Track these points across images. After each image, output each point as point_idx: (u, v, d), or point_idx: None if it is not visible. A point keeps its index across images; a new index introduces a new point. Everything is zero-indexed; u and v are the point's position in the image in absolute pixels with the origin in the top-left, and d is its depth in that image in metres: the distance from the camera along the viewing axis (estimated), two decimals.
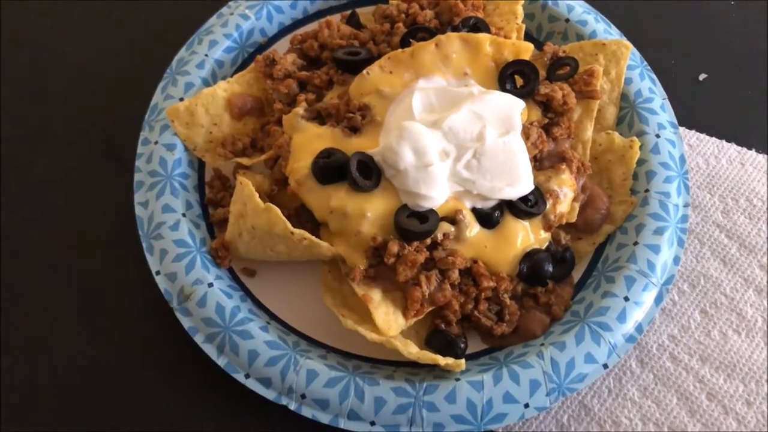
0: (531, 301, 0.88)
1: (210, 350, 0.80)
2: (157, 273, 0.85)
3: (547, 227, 0.90)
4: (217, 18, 1.05)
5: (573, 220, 0.92)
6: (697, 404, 0.85)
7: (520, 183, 0.88)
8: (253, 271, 0.90)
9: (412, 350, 0.78)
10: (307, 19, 1.11)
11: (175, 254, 0.85)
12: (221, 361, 0.80)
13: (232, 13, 1.05)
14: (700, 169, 1.07)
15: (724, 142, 1.10)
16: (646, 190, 0.93)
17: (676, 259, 0.90)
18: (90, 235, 0.98)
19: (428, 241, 0.84)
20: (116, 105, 1.09)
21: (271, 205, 0.81)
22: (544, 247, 0.89)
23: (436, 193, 0.84)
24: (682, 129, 1.09)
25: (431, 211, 0.84)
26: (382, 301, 0.81)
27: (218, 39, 1.02)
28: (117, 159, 1.03)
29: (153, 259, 0.85)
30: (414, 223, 0.82)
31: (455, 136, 0.88)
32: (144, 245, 0.87)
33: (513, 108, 0.90)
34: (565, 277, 0.90)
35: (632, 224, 0.92)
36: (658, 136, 0.98)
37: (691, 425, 0.84)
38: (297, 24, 1.10)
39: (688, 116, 1.11)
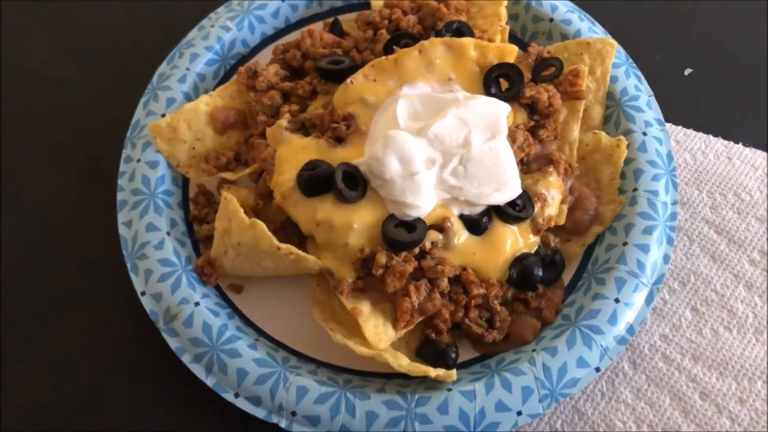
0: (521, 306, 0.88)
1: (198, 370, 0.80)
2: (143, 293, 0.84)
3: (536, 231, 0.90)
4: (198, 30, 1.04)
5: (562, 222, 0.92)
6: (690, 404, 0.85)
7: (508, 188, 0.87)
8: (240, 287, 0.89)
9: (402, 363, 0.77)
10: (290, 28, 1.10)
11: (160, 274, 0.84)
12: (210, 381, 0.79)
13: (213, 25, 1.05)
14: (687, 165, 1.06)
15: (710, 136, 1.10)
16: (635, 189, 0.93)
17: (666, 258, 0.89)
18: (74, 257, 0.98)
19: (416, 250, 0.83)
20: (98, 122, 1.08)
21: (256, 220, 0.80)
22: (533, 251, 0.89)
23: (423, 201, 0.84)
24: (668, 125, 1.09)
25: (419, 220, 0.83)
26: (372, 314, 0.80)
27: (199, 52, 1.01)
28: (100, 178, 1.02)
29: (138, 279, 0.85)
30: (402, 233, 0.82)
31: (441, 143, 0.87)
32: (129, 265, 0.86)
33: (498, 112, 0.90)
34: (555, 281, 0.90)
35: (621, 224, 0.92)
36: (645, 133, 0.98)
37: (685, 425, 0.84)
38: (279, 33, 1.09)
39: (675, 112, 1.10)
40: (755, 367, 0.87)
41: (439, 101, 0.90)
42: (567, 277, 0.91)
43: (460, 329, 0.86)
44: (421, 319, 0.82)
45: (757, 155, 1.07)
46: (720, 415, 0.84)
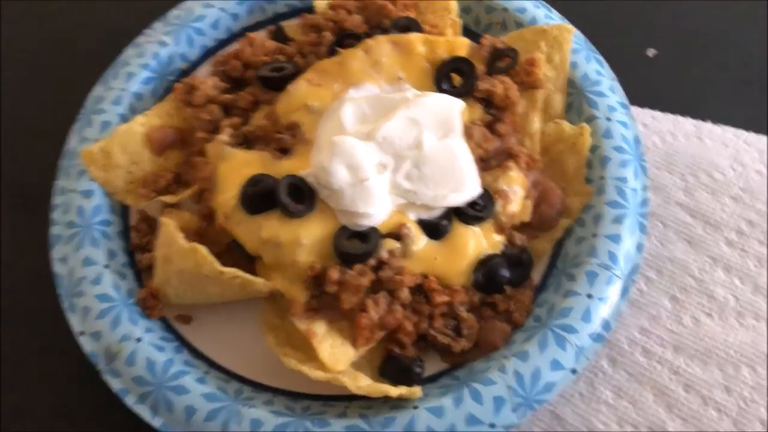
0: (490, 310, 0.83)
1: (143, 411, 0.74)
2: (81, 333, 0.79)
3: (500, 230, 0.85)
4: (133, 48, 0.99)
5: (527, 218, 0.88)
6: (674, 398, 0.80)
7: (466, 187, 0.83)
8: (188, 317, 0.84)
9: (361, 384, 0.73)
10: (233, 38, 1.05)
11: (99, 310, 0.78)
12: (156, 422, 0.74)
13: (148, 41, 1.00)
14: (657, 148, 1.03)
15: (679, 117, 1.07)
16: (602, 178, 0.89)
17: (640, 247, 0.85)
18: (4, 300, 0.92)
19: (373, 262, 0.78)
20: (29, 151, 1.02)
21: (196, 245, 0.75)
22: (498, 252, 0.84)
23: (376, 209, 0.79)
24: (635, 109, 1.05)
25: (372, 229, 0.79)
26: (328, 334, 0.75)
27: (135, 70, 0.96)
28: (32, 212, 0.95)
29: (76, 318, 0.79)
30: (354, 245, 0.77)
31: (391, 146, 0.83)
32: (65, 305, 0.80)
33: (451, 109, 0.86)
34: (524, 281, 0.86)
35: (590, 215, 0.87)
36: (609, 119, 0.94)
37: (670, 421, 0.79)
38: (222, 44, 1.05)
39: (641, 95, 1.07)
40: (740, 353, 0.83)
41: (388, 102, 0.86)
42: (537, 275, 0.87)
43: (426, 341, 0.81)
44: (382, 334, 0.78)
45: (728, 132, 1.04)
46: (706, 406, 0.80)
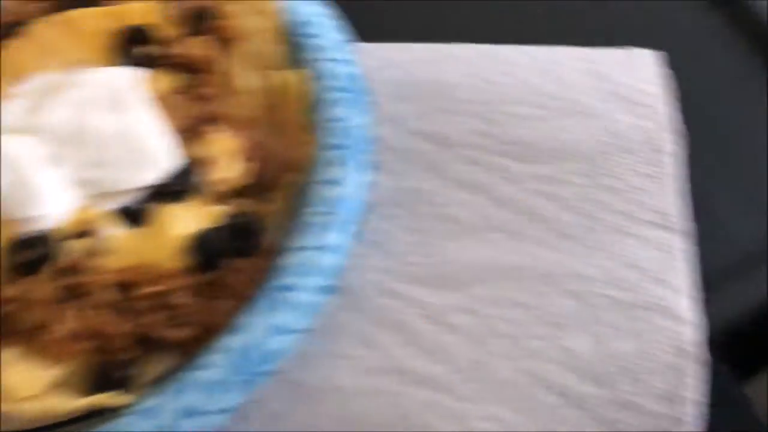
0: (214, 289, 0.76)
1: None
2: None
3: (217, 200, 0.79)
4: None
5: (248, 181, 0.82)
6: (418, 334, 0.77)
7: (158, 162, 0.76)
8: None
9: (50, 406, 0.65)
10: None
11: None
12: None
13: None
14: (391, 80, 0.98)
15: (415, 45, 1.03)
16: (321, 121, 0.84)
17: (368, 186, 0.81)
18: None
19: (62, 266, 0.70)
20: None
21: None
22: (220, 224, 0.78)
23: (49, 208, 0.71)
24: (367, 45, 1.00)
25: (45, 232, 0.70)
26: (17, 359, 0.67)
27: None
28: None
29: None
30: (25, 255, 0.69)
31: (61, 135, 0.74)
32: None
33: (126, 82, 0.78)
34: (251, 249, 0.79)
35: (312, 163, 0.82)
36: (327, 59, 0.89)
37: (416, 357, 0.76)
38: None
39: (375, 31, 1.02)
40: (478, 269, 0.80)
41: (55, 88, 0.78)
42: (270, 239, 0.81)
43: (148, 341, 0.74)
44: (87, 345, 0.70)
45: (462, 49, 1.01)
46: (450, 334, 0.77)
